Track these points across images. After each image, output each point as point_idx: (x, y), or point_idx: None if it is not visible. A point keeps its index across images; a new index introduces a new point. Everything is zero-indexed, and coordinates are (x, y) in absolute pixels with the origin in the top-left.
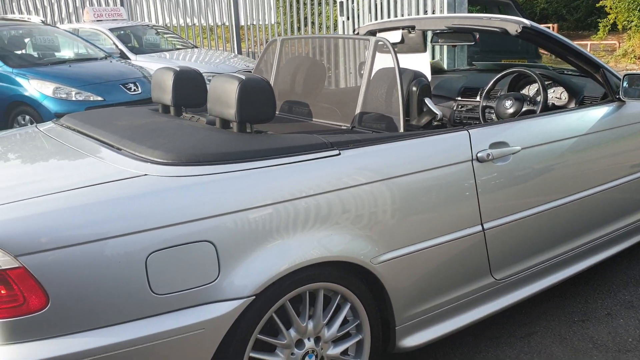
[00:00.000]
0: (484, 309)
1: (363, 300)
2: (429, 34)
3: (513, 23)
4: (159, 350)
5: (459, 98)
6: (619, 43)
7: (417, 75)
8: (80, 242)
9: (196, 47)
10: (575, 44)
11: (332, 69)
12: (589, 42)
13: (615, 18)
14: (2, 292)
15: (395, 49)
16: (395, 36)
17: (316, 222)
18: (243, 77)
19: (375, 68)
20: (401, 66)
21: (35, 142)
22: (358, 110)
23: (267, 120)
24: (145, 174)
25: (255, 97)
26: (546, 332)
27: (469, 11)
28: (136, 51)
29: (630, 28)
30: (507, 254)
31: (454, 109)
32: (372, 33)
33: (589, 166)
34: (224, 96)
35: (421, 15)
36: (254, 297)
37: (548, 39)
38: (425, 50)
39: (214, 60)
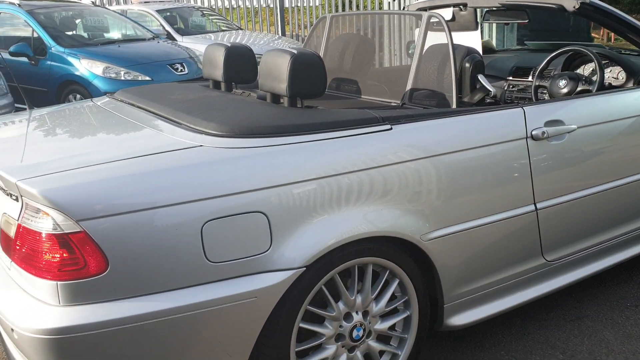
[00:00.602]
0: (534, 291)
1: (412, 277)
2: (480, 12)
3: None
4: (212, 317)
5: (510, 78)
6: None
7: (470, 52)
8: (139, 209)
9: (241, 29)
10: None
11: (383, 46)
12: None
13: None
14: (64, 255)
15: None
16: (446, 14)
17: (365, 196)
18: (295, 52)
19: (427, 44)
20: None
21: (93, 114)
22: (409, 87)
23: (318, 96)
24: (201, 145)
25: (307, 71)
26: (597, 316)
27: None
28: (182, 32)
29: None
30: (560, 235)
31: (505, 88)
32: (423, 11)
33: None
34: (276, 70)
35: None
36: (305, 268)
37: (608, 15)
38: (476, 28)
39: (258, 41)
